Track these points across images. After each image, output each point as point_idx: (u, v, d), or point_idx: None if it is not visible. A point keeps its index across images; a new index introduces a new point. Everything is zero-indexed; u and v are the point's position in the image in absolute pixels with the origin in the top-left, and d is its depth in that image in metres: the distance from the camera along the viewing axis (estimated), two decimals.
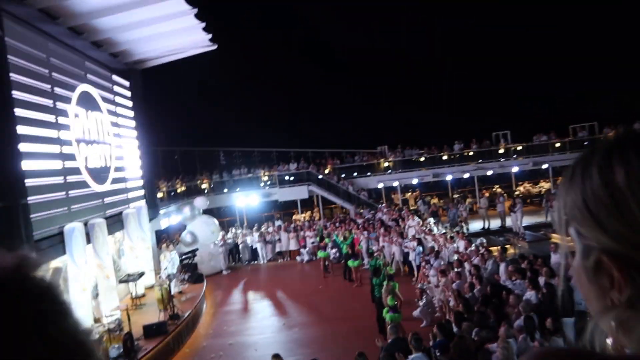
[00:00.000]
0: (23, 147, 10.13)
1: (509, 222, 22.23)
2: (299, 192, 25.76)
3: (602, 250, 0.65)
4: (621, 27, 33.07)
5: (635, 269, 0.62)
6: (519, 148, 27.23)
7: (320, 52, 40.57)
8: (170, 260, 16.54)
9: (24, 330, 0.58)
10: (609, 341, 0.66)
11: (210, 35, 17.40)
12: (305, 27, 40.31)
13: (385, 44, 40.68)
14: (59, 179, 11.98)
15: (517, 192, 27.53)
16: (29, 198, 10.10)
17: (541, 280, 9.58)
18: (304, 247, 20.78)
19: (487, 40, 38.48)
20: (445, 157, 27.07)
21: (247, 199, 25.69)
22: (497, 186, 28.90)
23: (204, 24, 16.05)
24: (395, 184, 26.47)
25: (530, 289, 9.21)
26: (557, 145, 26.46)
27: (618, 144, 0.67)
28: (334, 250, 18.62)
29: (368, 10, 40.26)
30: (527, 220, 21.70)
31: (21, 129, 10.18)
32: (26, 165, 10.18)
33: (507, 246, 16.73)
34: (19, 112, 10.21)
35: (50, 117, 11.80)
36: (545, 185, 28.15)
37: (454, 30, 39.48)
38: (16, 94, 10.19)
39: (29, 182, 10.23)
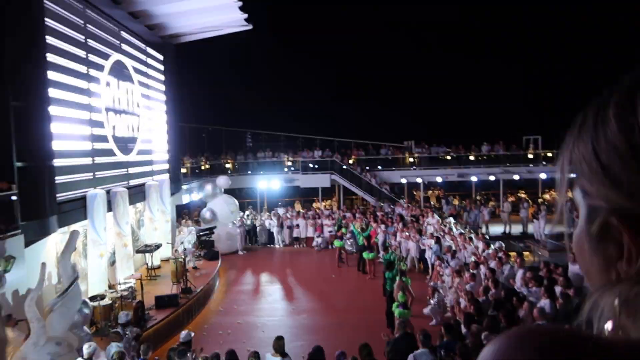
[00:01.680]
0: (53, 110, 10.31)
1: (531, 229, 21.79)
2: (321, 180, 25.72)
3: (611, 210, 0.52)
4: None
5: None
6: (549, 154, 26.57)
7: (356, 43, 40.19)
8: (188, 236, 16.74)
9: None
10: (608, 325, 0.52)
11: (246, 15, 17.38)
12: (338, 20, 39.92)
13: (422, 39, 40.03)
14: (86, 145, 12.19)
15: (542, 199, 26.92)
16: (55, 160, 10.29)
17: (557, 289, 9.33)
18: (319, 234, 20.78)
19: (526, 41, 37.55)
20: (472, 158, 26.60)
21: (269, 183, 25.78)
22: (522, 191, 28.31)
23: (240, 3, 16.03)
24: (419, 180, 26.17)
25: (546, 297, 8.97)
26: None
27: None
28: (350, 241, 18.54)
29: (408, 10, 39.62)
30: (551, 229, 21.19)
31: (53, 92, 10.35)
32: (55, 128, 10.36)
33: (526, 253, 16.39)
34: (51, 75, 10.37)
35: (82, 83, 11.98)
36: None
37: (493, 28, 38.60)
38: (50, 57, 10.34)
39: (57, 144, 10.41)
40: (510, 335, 0.52)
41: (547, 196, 28.30)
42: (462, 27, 39.78)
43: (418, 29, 39.79)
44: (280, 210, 22.88)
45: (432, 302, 11.64)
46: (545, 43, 37.63)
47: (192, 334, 8.83)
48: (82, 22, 12.18)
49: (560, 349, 0.48)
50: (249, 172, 27.10)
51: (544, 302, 8.85)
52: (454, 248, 13.95)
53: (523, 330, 0.51)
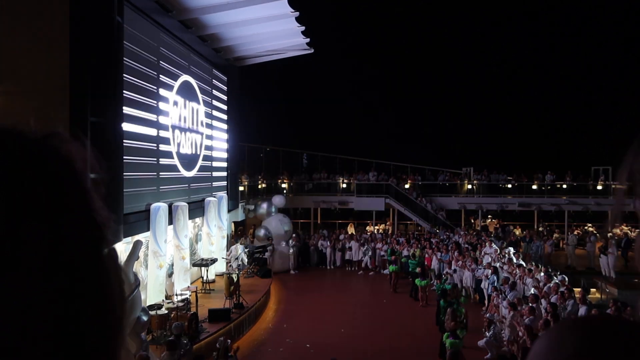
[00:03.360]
0: (125, 126, 10.95)
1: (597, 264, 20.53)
2: (376, 204, 25.55)
3: None
4: None
5: None
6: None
7: (417, 66, 40.10)
8: (242, 252, 17.07)
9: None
10: None
11: (307, 40, 17.87)
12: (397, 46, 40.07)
13: (486, 64, 39.36)
14: (152, 160, 12.82)
15: (611, 234, 25.32)
16: (124, 173, 10.87)
17: None
18: (364, 254, 20.74)
19: (598, 70, 36.05)
20: (534, 187, 25.58)
21: (323, 204, 25.92)
22: (589, 224, 26.80)
23: (303, 28, 16.51)
24: (477, 208, 25.43)
25: None
26: None
27: None
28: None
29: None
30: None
31: (126, 109, 11.01)
32: (125, 143, 10.98)
33: (593, 290, 15.48)
34: (126, 93, 11.06)
35: (152, 102, 12.68)
36: None
37: (562, 56, 37.40)
38: (126, 76, 11.05)
39: (126, 158, 11.02)
40: (560, 326, 0.54)
41: (618, 230, 26.63)
42: (528, 52, 38.84)
43: (479, 52, 39.24)
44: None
45: (487, 334, 11.19)
46: (618, 72, 35.94)
47: (229, 341, 9.15)
48: (155, 44, 12.97)
49: (604, 331, 0.50)
50: (304, 192, 27.39)
51: None
52: (512, 279, 13.40)
53: (572, 321, 0.53)
